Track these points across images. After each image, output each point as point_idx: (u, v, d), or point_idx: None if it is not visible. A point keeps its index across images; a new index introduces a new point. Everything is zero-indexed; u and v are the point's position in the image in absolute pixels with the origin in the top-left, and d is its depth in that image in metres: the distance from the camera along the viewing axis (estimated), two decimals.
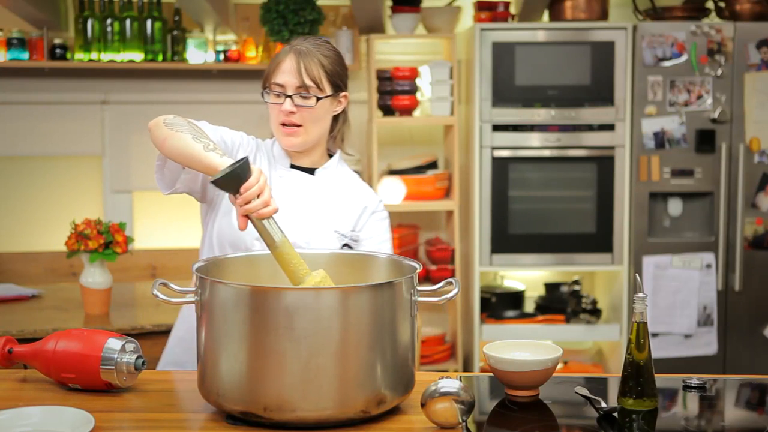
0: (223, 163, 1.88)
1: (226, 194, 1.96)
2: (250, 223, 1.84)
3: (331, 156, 2.32)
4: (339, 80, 2.20)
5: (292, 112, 2.15)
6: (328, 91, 2.17)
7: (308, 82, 2.14)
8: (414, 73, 4.42)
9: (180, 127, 1.99)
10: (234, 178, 1.80)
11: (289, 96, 2.14)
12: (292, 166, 2.26)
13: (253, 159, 2.24)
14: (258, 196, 1.79)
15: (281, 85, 2.15)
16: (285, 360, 1.64)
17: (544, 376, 1.88)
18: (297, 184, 2.24)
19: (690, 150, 4.21)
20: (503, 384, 1.91)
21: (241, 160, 1.80)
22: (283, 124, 2.17)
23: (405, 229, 4.61)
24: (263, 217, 1.81)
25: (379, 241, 2.28)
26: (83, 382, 1.90)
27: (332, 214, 2.24)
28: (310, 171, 2.27)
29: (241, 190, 1.79)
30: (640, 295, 1.78)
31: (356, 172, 4.38)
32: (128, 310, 3.40)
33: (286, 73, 2.14)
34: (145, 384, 1.97)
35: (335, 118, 2.27)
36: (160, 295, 1.78)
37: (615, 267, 4.32)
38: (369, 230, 2.27)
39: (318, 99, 2.15)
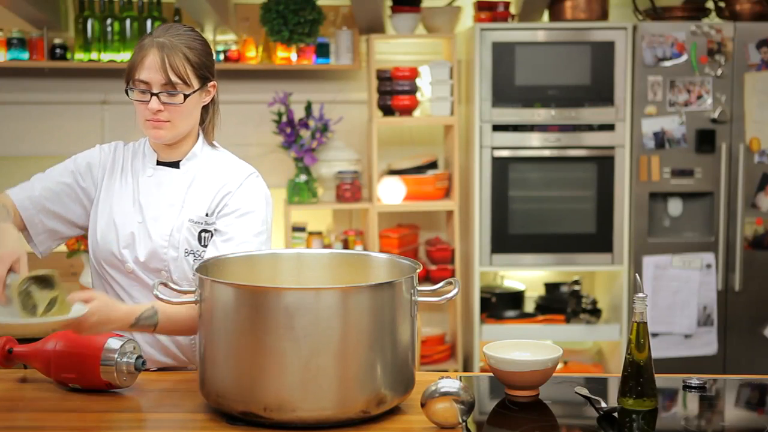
0: None
1: (90, 211, 2.13)
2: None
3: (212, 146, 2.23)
4: (207, 72, 2.09)
5: (159, 110, 2.03)
6: (196, 85, 2.06)
7: (174, 78, 2.02)
8: (414, 73, 4.42)
9: None
10: None
11: (155, 94, 2.03)
12: (159, 163, 2.16)
13: (109, 171, 2.18)
14: None
15: (146, 83, 2.03)
16: (285, 360, 1.64)
17: (544, 376, 1.88)
18: (163, 180, 2.15)
19: (690, 150, 4.20)
20: (503, 384, 1.91)
21: None
22: (150, 120, 2.06)
23: (405, 229, 4.61)
24: None
25: (233, 233, 2.10)
26: (83, 382, 1.90)
27: (188, 203, 2.12)
28: (176, 165, 2.16)
29: None
30: (640, 295, 1.78)
31: (357, 172, 4.40)
32: None
33: (150, 70, 2.01)
34: (145, 384, 1.97)
35: (205, 107, 2.16)
36: (161, 295, 1.78)
37: (615, 267, 4.32)
38: (223, 222, 2.11)
39: (186, 96, 2.04)
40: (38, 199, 2.16)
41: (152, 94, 2.03)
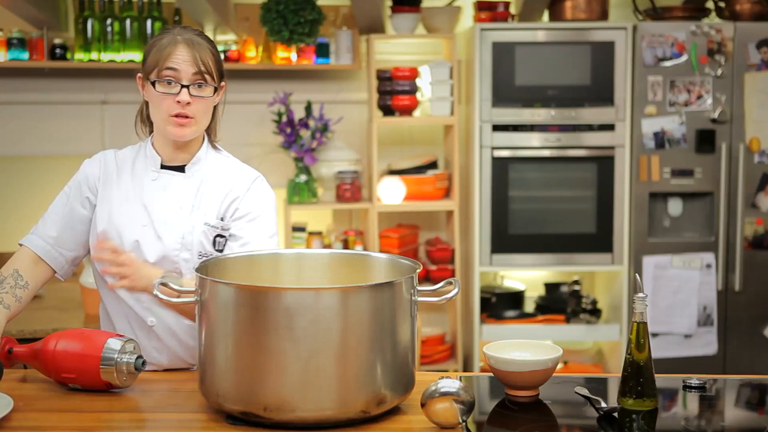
0: None
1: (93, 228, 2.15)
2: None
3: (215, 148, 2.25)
4: (221, 72, 2.14)
5: (188, 103, 2.05)
6: (218, 81, 2.11)
7: (204, 70, 2.06)
8: (414, 73, 4.42)
9: None
10: None
11: (186, 86, 2.05)
12: (163, 167, 2.18)
13: (103, 179, 2.18)
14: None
15: (176, 70, 2.04)
16: (285, 360, 1.64)
17: (544, 376, 1.88)
18: (168, 183, 2.16)
19: (690, 150, 4.20)
20: (503, 384, 1.91)
21: None
22: (176, 115, 2.06)
23: (405, 229, 4.61)
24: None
25: (247, 235, 2.15)
26: (83, 382, 1.90)
27: (201, 207, 2.14)
28: (181, 168, 2.17)
29: None
30: (640, 295, 1.78)
31: (357, 172, 4.40)
32: None
33: (181, 62, 2.04)
34: (145, 384, 1.97)
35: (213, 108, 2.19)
36: (161, 295, 1.78)
37: (615, 267, 4.32)
38: (236, 225, 2.16)
39: (215, 89, 2.10)
40: (54, 237, 2.17)
41: (182, 86, 2.04)
